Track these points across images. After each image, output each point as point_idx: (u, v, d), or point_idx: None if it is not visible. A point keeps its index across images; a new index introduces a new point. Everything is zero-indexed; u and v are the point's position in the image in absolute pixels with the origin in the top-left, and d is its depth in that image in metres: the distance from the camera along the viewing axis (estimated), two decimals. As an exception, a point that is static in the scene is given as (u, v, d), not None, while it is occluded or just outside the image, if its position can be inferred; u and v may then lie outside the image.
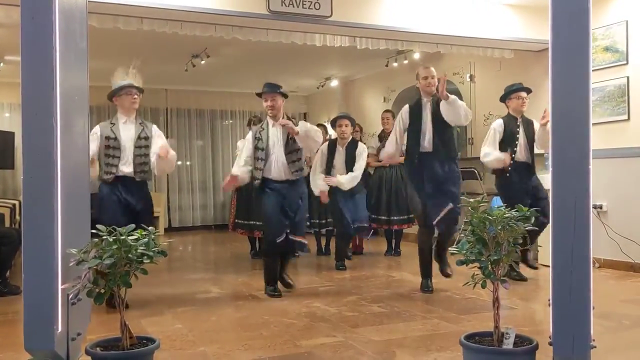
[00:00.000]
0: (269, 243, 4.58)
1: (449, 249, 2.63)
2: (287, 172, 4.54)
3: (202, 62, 7.69)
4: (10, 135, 8.21)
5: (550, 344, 2.27)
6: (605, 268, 5.54)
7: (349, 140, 6.00)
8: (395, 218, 6.60)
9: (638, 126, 5.44)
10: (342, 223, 5.87)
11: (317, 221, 6.78)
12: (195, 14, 4.85)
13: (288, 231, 4.52)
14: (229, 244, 8.39)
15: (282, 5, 4.93)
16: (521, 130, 5.04)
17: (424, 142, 4.56)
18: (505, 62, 6.78)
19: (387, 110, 7.17)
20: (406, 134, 4.74)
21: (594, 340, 2.23)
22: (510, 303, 4.15)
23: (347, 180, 5.77)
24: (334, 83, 9.80)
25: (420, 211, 4.60)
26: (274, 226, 4.50)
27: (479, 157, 7.17)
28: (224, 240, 8.97)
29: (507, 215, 2.35)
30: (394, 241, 6.89)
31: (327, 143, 6.10)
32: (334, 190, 5.87)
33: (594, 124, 2.49)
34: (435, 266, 4.68)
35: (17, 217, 6.46)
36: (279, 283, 4.66)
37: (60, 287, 2.19)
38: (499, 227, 2.33)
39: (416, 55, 7.39)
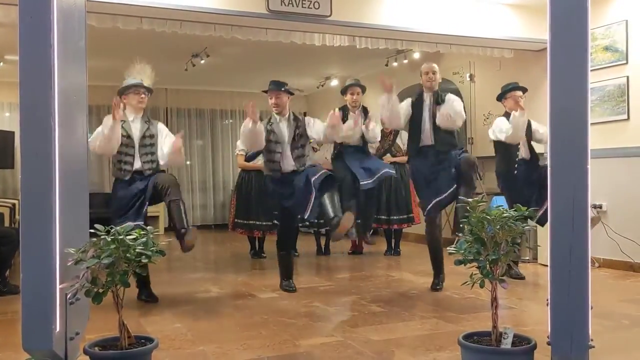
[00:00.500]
0: (283, 231, 4.68)
1: (448, 248, 2.62)
2: (292, 164, 4.66)
3: (202, 61, 7.69)
4: (10, 135, 8.21)
5: (548, 343, 2.27)
6: (604, 268, 5.54)
7: (360, 108, 5.95)
8: (394, 217, 6.60)
9: (638, 126, 5.44)
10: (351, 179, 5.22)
11: (317, 221, 6.77)
12: (195, 13, 4.85)
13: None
14: (229, 244, 8.39)
15: (281, 4, 4.93)
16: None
17: (423, 136, 4.65)
18: (505, 62, 6.78)
19: (386, 110, 7.15)
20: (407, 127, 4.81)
21: (592, 340, 2.23)
22: (509, 303, 4.15)
23: (377, 131, 5.48)
24: (334, 82, 9.79)
25: (426, 201, 4.66)
26: (288, 211, 4.59)
27: (479, 157, 7.17)
28: (223, 240, 8.97)
29: (505, 214, 2.35)
30: (393, 241, 6.90)
31: (338, 108, 6.01)
32: (340, 159, 5.58)
33: (593, 123, 2.51)
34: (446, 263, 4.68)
35: (17, 216, 6.46)
36: None
37: (58, 286, 2.19)
38: (498, 227, 2.33)
39: (416, 55, 7.39)
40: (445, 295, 4.47)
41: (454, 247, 2.44)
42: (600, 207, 5.65)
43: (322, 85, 9.94)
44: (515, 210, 2.43)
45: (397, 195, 6.59)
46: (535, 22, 5.84)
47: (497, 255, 2.33)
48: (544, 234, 3.83)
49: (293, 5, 4.97)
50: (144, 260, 2.30)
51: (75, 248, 2.26)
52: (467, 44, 6.14)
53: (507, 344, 2.35)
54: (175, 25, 5.08)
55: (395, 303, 4.23)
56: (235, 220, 6.67)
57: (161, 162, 4.49)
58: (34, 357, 2.19)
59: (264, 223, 6.50)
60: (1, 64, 7.57)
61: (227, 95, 10.78)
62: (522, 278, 4.98)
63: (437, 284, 4.67)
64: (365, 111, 5.83)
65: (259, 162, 6.63)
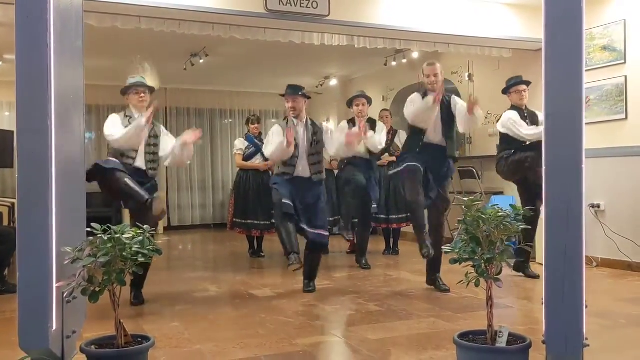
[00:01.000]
0: (277, 207, 4.55)
1: (443, 247, 2.63)
2: (307, 172, 4.63)
3: (201, 61, 7.70)
4: (9, 134, 8.21)
5: (543, 342, 2.27)
6: (602, 267, 5.54)
7: (366, 119, 6.00)
8: (393, 217, 6.60)
9: (636, 125, 5.44)
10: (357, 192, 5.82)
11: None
12: (193, 12, 4.86)
13: (304, 226, 4.56)
14: (228, 243, 8.40)
15: (279, 4, 4.94)
16: (528, 121, 5.10)
17: (428, 136, 4.60)
18: (503, 61, 6.78)
19: (385, 109, 7.18)
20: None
21: (587, 339, 2.24)
22: (506, 302, 4.16)
23: (376, 139, 5.67)
24: (333, 82, 9.80)
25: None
26: (281, 191, 4.51)
27: (477, 157, 7.22)
28: (223, 239, 8.98)
29: (500, 214, 2.36)
30: (392, 240, 6.91)
31: (345, 121, 6.12)
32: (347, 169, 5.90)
33: (591, 123, 2.52)
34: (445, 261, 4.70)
35: (16, 216, 6.47)
36: None
37: (55, 285, 2.19)
38: (493, 226, 2.34)
39: (415, 55, 7.39)
40: (442, 295, 4.48)
41: (449, 246, 2.45)
42: (599, 206, 5.66)
43: (322, 85, 9.95)
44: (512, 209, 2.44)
45: (396, 194, 6.59)
46: (534, 22, 5.84)
47: (492, 254, 2.34)
48: (540, 234, 3.83)
49: (291, 5, 4.97)
50: (141, 259, 2.31)
51: (72, 247, 2.27)
52: (465, 44, 6.15)
53: (502, 342, 2.36)
54: (174, 24, 5.09)
55: (392, 302, 4.24)
56: (234, 219, 6.68)
57: (166, 163, 4.47)
58: (31, 355, 2.20)
59: (262, 222, 6.50)
60: (0, 63, 7.57)
61: (226, 95, 10.79)
62: (537, 277, 5.00)
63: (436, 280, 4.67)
64: (372, 123, 5.90)
65: (257, 161, 6.65)
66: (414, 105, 4.55)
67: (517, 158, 5.00)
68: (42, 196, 2.17)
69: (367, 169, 5.94)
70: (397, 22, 5.48)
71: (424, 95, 4.58)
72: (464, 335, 2.47)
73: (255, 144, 6.63)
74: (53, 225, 2.18)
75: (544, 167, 2.29)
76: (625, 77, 5.50)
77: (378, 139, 5.73)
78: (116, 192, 4.17)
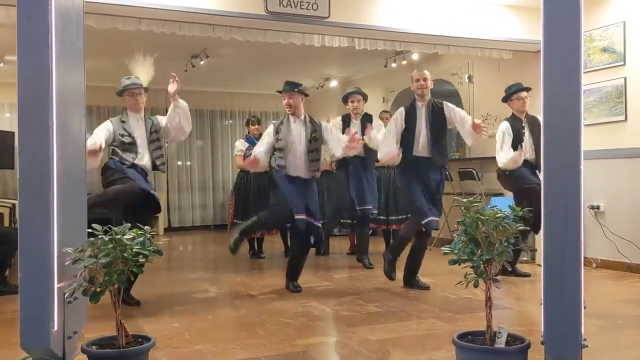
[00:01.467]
0: (278, 211, 4.57)
1: (442, 248, 2.64)
2: (305, 170, 4.57)
3: (202, 62, 7.71)
4: (10, 135, 8.24)
5: (542, 343, 2.28)
6: (602, 268, 5.55)
7: (362, 115, 6.03)
8: (393, 218, 6.61)
9: (635, 127, 5.45)
10: (349, 206, 5.91)
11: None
12: (193, 14, 4.88)
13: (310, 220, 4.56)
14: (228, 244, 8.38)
15: (279, 6, 4.95)
16: (526, 129, 5.14)
17: (417, 146, 4.59)
18: (503, 63, 6.80)
19: (385, 111, 7.19)
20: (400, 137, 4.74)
21: (585, 340, 2.25)
22: (505, 303, 4.17)
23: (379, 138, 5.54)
24: (334, 83, 9.82)
25: (419, 204, 4.63)
26: (290, 203, 4.48)
27: (477, 158, 7.23)
28: (223, 240, 8.96)
29: (499, 215, 2.37)
30: (392, 241, 6.90)
31: (340, 117, 6.14)
32: (344, 170, 5.92)
33: (591, 124, 2.52)
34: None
35: (17, 216, 6.48)
36: None
37: (56, 285, 2.20)
38: (492, 227, 2.35)
39: (415, 56, 7.41)
40: (442, 296, 4.49)
41: (448, 247, 2.46)
42: (598, 207, 5.67)
43: (322, 86, 9.96)
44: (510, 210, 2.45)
45: (396, 195, 6.60)
46: (534, 23, 5.85)
47: (491, 255, 2.35)
48: (540, 235, 3.84)
49: (291, 7, 4.99)
50: (142, 260, 2.32)
51: (73, 247, 2.28)
52: (465, 45, 6.16)
53: (501, 343, 2.37)
54: (175, 26, 5.10)
55: (392, 303, 4.24)
56: (234, 220, 6.69)
57: (167, 138, 4.50)
58: (32, 355, 2.20)
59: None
60: (1, 64, 7.59)
61: (226, 96, 10.80)
62: (528, 275, 5.03)
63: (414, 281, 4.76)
64: (368, 119, 5.90)
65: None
66: (388, 131, 4.74)
67: (526, 185, 4.97)
68: (43, 197, 2.18)
69: (362, 169, 5.90)
70: (397, 24, 5.49)
71: (411, 106, 4.66)
72: (463, 336, 2.48)
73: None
74: (54, 226, 2.19)
75: (542, 169, 2.31)
76: (625, 78, 5.51)
77: (381, 137, 5.62)
78: (124, 198, 4.14)
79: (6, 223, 6.01)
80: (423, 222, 4.57)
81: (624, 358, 3.07)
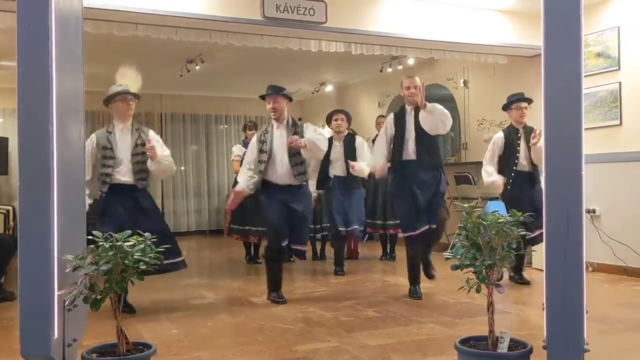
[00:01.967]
0: (272, 249, 4.51)
1: (444, 253, 2.64)
2: (290, 176, 4.47)
3: (197, 67, 7.70)
4: (4, 141, 8.19)
5: (544, 347, 2.29)
6: (598, 272, 5.57)
7: (344, 135, 6.05)
8: (390, 222, 6.62)
9: (630, 131, 5.49)
10: (333, 225, 5.98)
11: (312, 226, 6.78)
12: (190, 19, 4.87)
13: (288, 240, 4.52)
14: (224, 249, 8.38)
15: (276, 11, 4.95)
16: (522, 140, 5.12)
17: (407, 150, 4.55)
18: (498, 68, 6.83)
19: (381, 116, 7.21)
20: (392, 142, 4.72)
21: (587, 344, 2.25)
22: (505, 307, 4.17)
23: (363, 167, 5.54)
24: (329, 88, 9.83)
25: (405, 218, 4.59)
26: (277, 232, 4.44)
27: (473, 162, 7.25)
28: (219, 246, 8.96)
29: (501, 220, 2.37)
30: (389, 246, 6.91)
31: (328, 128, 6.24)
32: (330, 189, 5.94)
33: (586, 129, 2.52)
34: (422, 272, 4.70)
35: (11, 222, 6.44)
36: None
37: (56, 293, 2.19)
38: (493, 232, 2.35)
39: (410, 61, 7.43)
40: (441, 300, 4.49)
41: (451, 252, 2.46)
42: (594, 211, 5.69)
43: (317, 91, 9.97)
44: (510, 216, 2.45)
45: (393, 200, 6.61)
46: (529, 29, 5.89)
47: (493, 260, 2.35)
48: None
49: (288, 12, 4.99)
50: (142, 267, 2.30)
51: (73, 255, 2.26)
52: (461, 50, 6.19)
53: (503, 348, 2.37)
54: (171, 31, 5.09)
55: (391, 308, 4.24)
56: (231, 225, 6.67)
57: (150, 170, 4.30)
58: (32, 363, 2.18)
59: (260, 228, 6.49)
60: (-3, 70, 7.55)
61: (222, 101, 10.79)
62: (528, 283, 5.05)
63: (416, 293, 4.60)
64: (350, 138, 5.95)
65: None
66: (379, 141, 4.80)
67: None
68: (43, 203, 2.16)
69: (345, 188, 5.95)
70: (394, 29, 5.51)
71: (400, 110, 4.68)
72: (465, 341, 2.48)
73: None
74: (54, 232, 2.17)
75: (544, 174, 2.31)
76: (620, 83, 5.55)
77: (364, 165, 5.53)
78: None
79: (1, 229, 5.97)
80: (406, 235, 4.57)
81: (624, 362, 3.07)
